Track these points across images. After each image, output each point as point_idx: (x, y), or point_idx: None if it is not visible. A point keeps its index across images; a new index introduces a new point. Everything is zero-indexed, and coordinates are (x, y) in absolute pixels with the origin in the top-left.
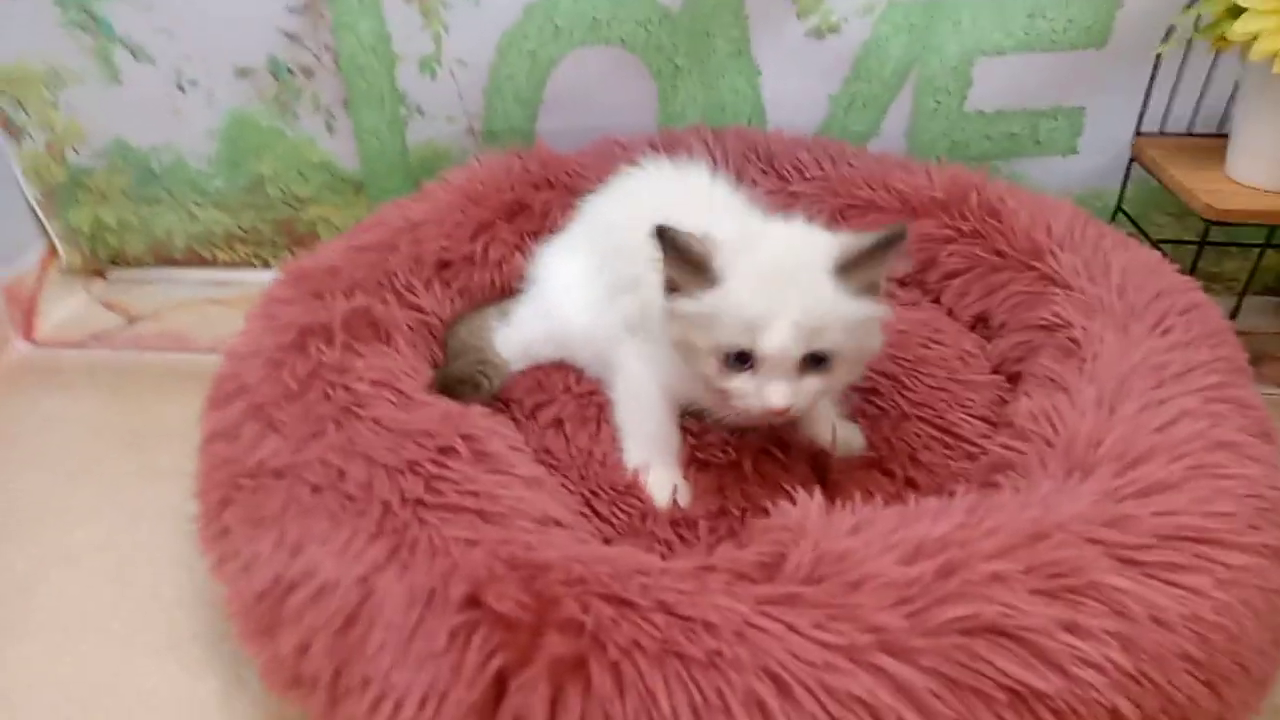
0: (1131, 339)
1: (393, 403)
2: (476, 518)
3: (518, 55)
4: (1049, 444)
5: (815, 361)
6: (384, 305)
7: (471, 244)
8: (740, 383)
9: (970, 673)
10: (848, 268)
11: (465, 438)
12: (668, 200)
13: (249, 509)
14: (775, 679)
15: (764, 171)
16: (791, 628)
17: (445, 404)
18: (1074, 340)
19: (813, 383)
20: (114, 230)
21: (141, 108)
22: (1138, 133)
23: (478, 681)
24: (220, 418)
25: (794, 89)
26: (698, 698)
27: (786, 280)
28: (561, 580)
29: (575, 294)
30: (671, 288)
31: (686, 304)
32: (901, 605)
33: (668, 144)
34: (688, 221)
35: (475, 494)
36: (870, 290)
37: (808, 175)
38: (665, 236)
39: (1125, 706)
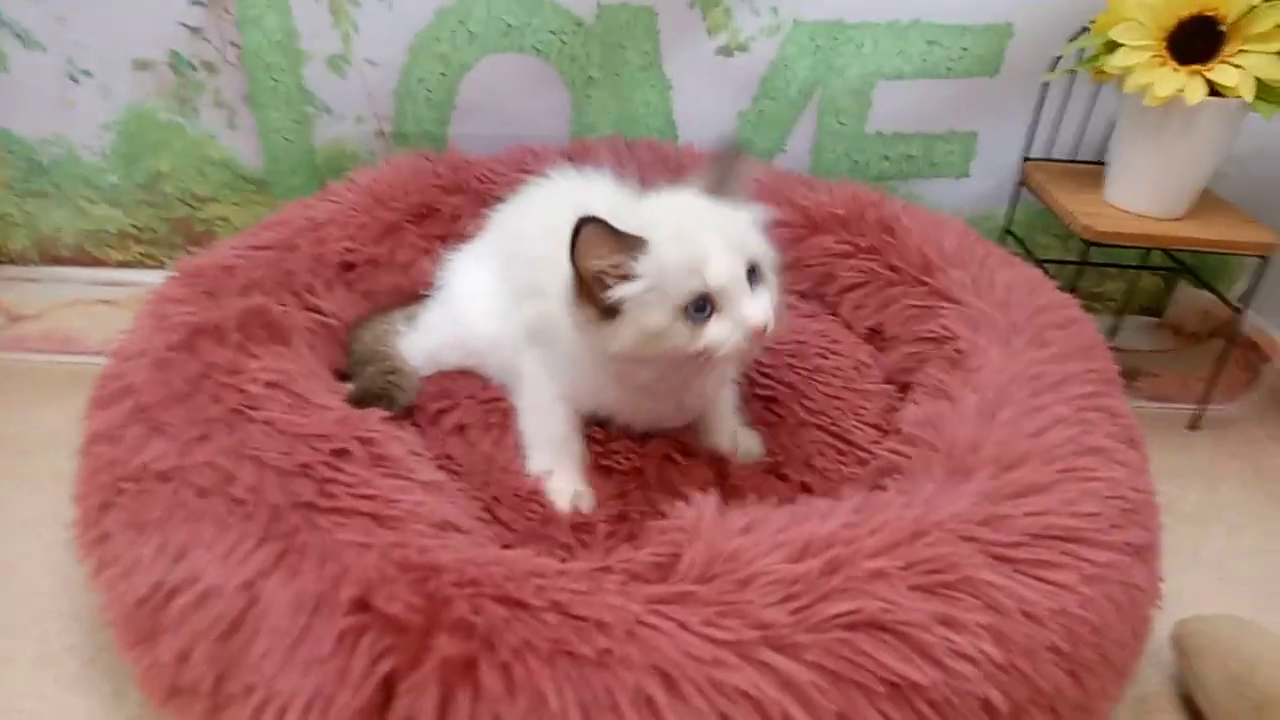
0: (1012, 351)
1: (288, 405)
2: (370, 521)
3: (429, 58)
4: (934, 449)
5: (753, 276)
6: (282, 306)
7: (378, 246)
8: (715, 329)
9: (852, 666)
10: (718, 187)
11: (362, 441)
12: (574, 210)
13: (131, 513)
14: (664, 676)
15: (672, 182)
16: (682, 625)
17: (343, 407)
18: (960, 351)
19: (765, 297)
20: None
21: (29, 97)
22: (1025, 158)
23: (365, 685)
24: (104, 419)
25: (704, 104)
26: (587, 696)
27: (693, 220)
28: (454, 582)
29: (482, 302)
30: (600, 287)
31: (630, 287)
32: (787, 601)
33: (580, 153)
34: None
35: (370, 498)
36: (743, 198)
37: None
38: (594, 223)
39: (996, 697)
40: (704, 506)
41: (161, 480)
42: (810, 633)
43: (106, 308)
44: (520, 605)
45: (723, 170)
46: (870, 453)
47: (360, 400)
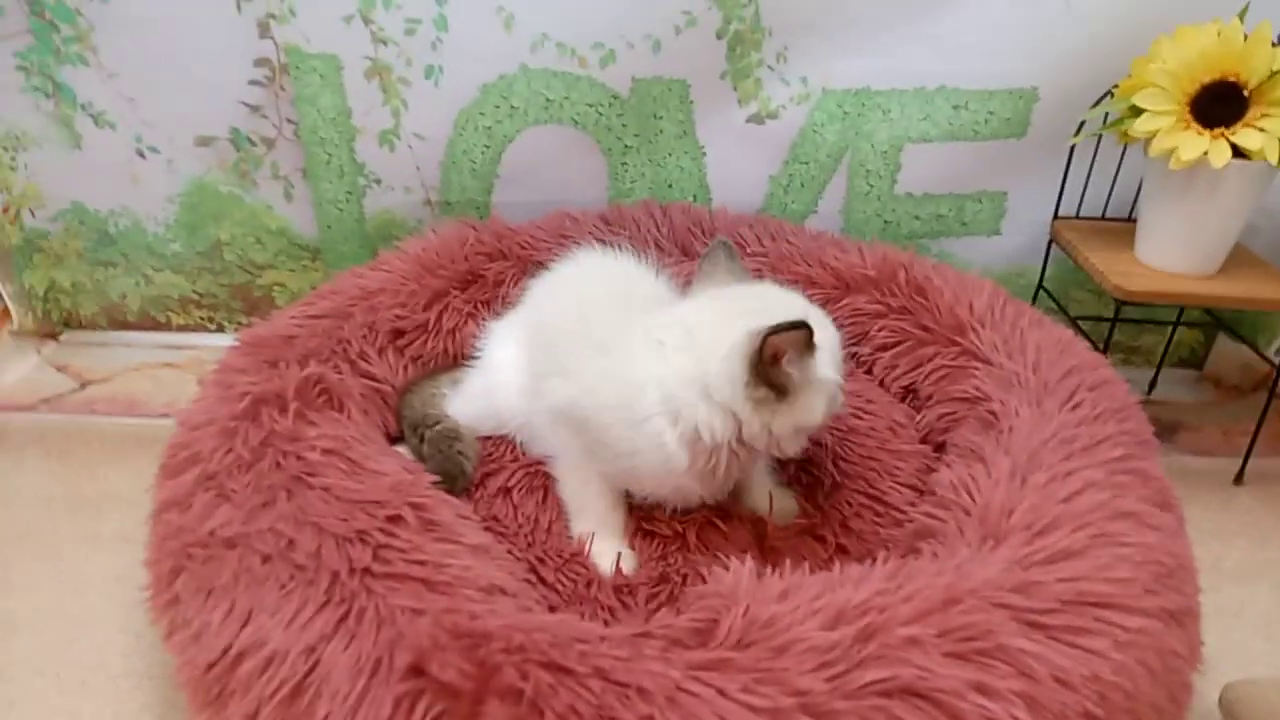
0: (1044, 413)
1: (344, 471)
2: (423, 586)
3: (474, 131)
4: (966, 512)
5: None
6: (338, 374)
7: (425, 312)
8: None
9: None
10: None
11: (414, 506)
12: (591, 293)
13: (200, 578)
14: None
15: (707, 245)
16: (721, 692)
17: (396, 472)
18: (992, 413)
19: None
20: (68, 292)
21: (101, 172)
22: (1056, 216)
23: None
24: (173, 487)
25: (736, 169)
26: None
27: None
28: (502, 649)
29: (511, 377)
30: (779, 370)
31: (813, 368)
32: (823, 669)
33: (617, 218)
34: (604, 312)
35: (422, 563)
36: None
37: (749, 251)
38: (805, 328)
39: None
40: (741, 573)
41: (228, 546)
42: (846, 699)
43: (170, 371)
44: (565, 671)
45: (737, 265)
46: (906, 514)
47: (440, 481)
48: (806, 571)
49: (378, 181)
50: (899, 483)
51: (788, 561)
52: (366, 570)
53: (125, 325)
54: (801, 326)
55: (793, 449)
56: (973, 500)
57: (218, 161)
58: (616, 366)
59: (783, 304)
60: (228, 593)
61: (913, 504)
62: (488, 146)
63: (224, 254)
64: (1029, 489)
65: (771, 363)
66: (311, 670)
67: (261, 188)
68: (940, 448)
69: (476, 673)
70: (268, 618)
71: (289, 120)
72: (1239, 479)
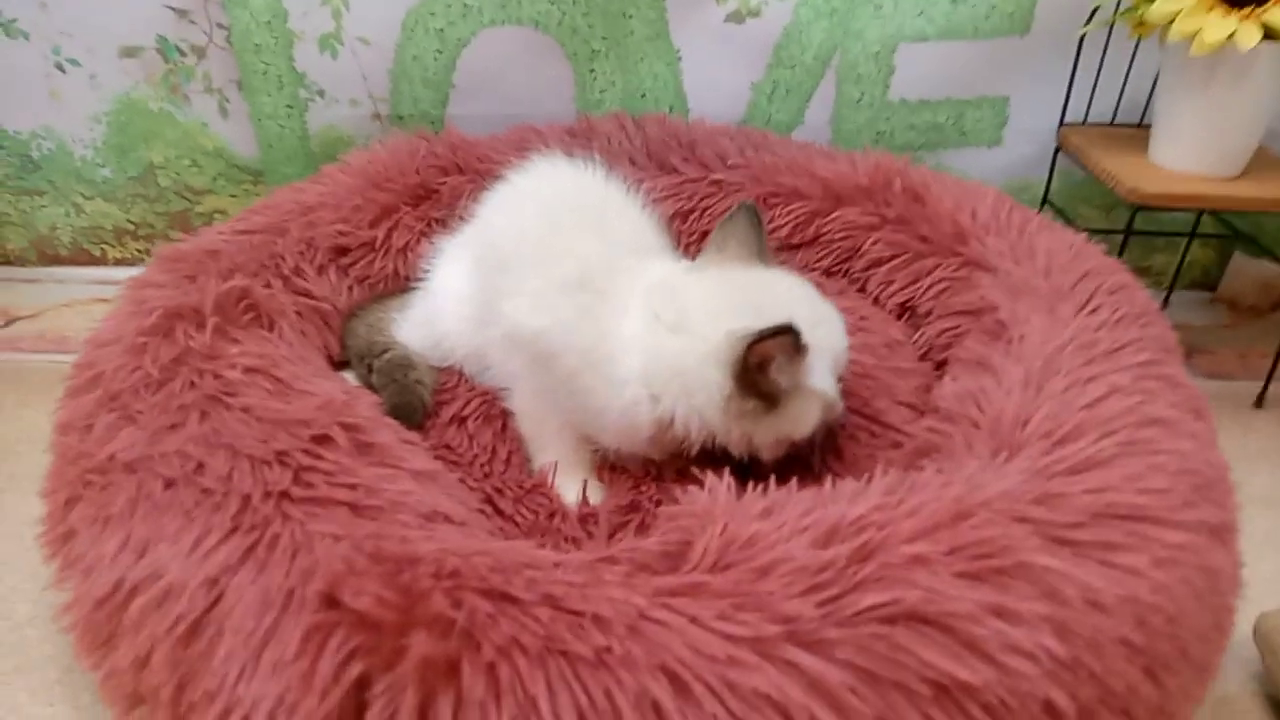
0: (1059, 319)
1: (268, 391)
2: (349, 512)
3: (424, 34)
4: (975, 425)
5: None
6: (267, 289)
7: (372, 229)
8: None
9: (891, 665)
10: (762, 255)
11: (346, 427)
12: (555, 208)
13: (96, 508)
14: (672, 677)
15: (685, 159)
16: (693, 620)
17: (329, 393)
18: (1000, 322)
19: None
20: None
21: (16, 89)
22: (1062, 122)
23: (333, 690)
24: (73, 409)
25: (715, 75)
26: (584, 700)
27: (825, 309)
28: (431, 573)
29: (456, 302)
30: (766, 379)
31: (805, 375)
32: (814, 592)
33: (585, 131)
34: (576, 234)
35: (351, 486)
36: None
37: (730, 163)
38: (790, 333)
39: (1060, 698)
40: (718, 489)
41: (128, 472)
42: (841, 627)
43: (104, 307)
44: (508, 599)
45: (757, 236)
46: (907, 435)
47: (394, 414)
48: (794, 488)
49: (321, 94)
50: (897, 401)
51: (772, 478)
52: (284, 494)
53: (57, 260)
54: (786, 331)
55: (770, 456)
56: (981, 411)
57: (145, 75)
58: (601, 310)
59: (780, 301)
60: (123, 522)
61: (913, 424)
62: (440, 51)
63: (158, 179)
64: (1045, 397)
65: (759, 371)
66: (213, 605)
67: (194, 103)
68: (941, 366)
69: (399, 601)
70: (166, 547)
71: (220, 25)
72: (1259, 402)
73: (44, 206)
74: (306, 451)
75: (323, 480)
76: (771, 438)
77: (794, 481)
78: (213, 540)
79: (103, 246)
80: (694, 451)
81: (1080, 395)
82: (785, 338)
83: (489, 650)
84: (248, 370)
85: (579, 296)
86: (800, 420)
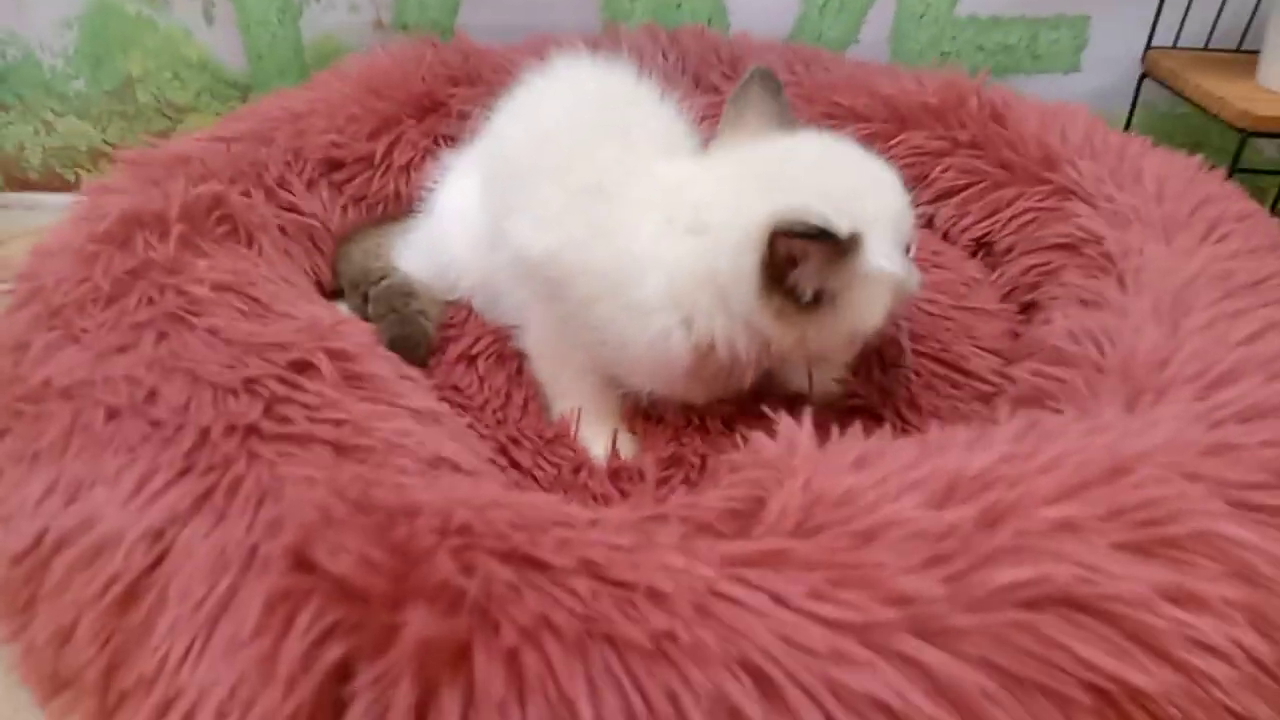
0: (1180, 249)
1: (241, 311)
2: (331, 452)
3: None
4: (1098, 369)
5: None
6: (245, 198)
7: (370, 143)
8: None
9: (1039, 664)
10: (784, 121)
11: (332, 354)
12: (575, 111)
13: (24, 442)
14: (756, 674)
15: (727, 76)
16: (778, 599)
17: (312, 315)
18: (1107, 255)
19: None
20: None
21: None
22: (1149, 46)
23: (302, 680)
24: (7, 327)
25: None
26: (638, 704)
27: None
28: (436, 528)
29: (464, 223)
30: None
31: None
32: (936, 565)
33: (613, 45)
34: (595, 138)
35: (336, 423)
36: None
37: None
38: (809, 230)
39: (1261, 711)
40: (796, 433)
41: (64, 399)
42: (973, 612)
43: None
44: (535, 564)
45: (776, 102)
46: (993, 384)
47: (395, 348)
48: (887, 436)
49: None
50: (981, 347)
51: (858, 423)
52: (251, 429)
53: (27, 185)
54: (821, 235)
55: (843, 358)
56: (1102, 353)
57: None
58: (616, 223)
59: (825, 171)
60: (53, 459)
61: (1001, 374)
62: None
63: (137, 93)
64: (1185, 333)
65: (787, 267)
66: (156, 564)
67: (176, 7)
68: (1029, 308)
69: (391, 562)
70: (103, 491)
71: None
72: None
73: (9, 124)
74: (282, 380)
75: (301, 414)
76: (836, 338)
77: (891, 426)
78: (159, 482)
79: (76, 170)
80: (747, 383)
81: (1230, 331)
82: (818, 243)
83: (510, 632)
84: (217, 287)
85: (592, 209)
86: (867, 310)
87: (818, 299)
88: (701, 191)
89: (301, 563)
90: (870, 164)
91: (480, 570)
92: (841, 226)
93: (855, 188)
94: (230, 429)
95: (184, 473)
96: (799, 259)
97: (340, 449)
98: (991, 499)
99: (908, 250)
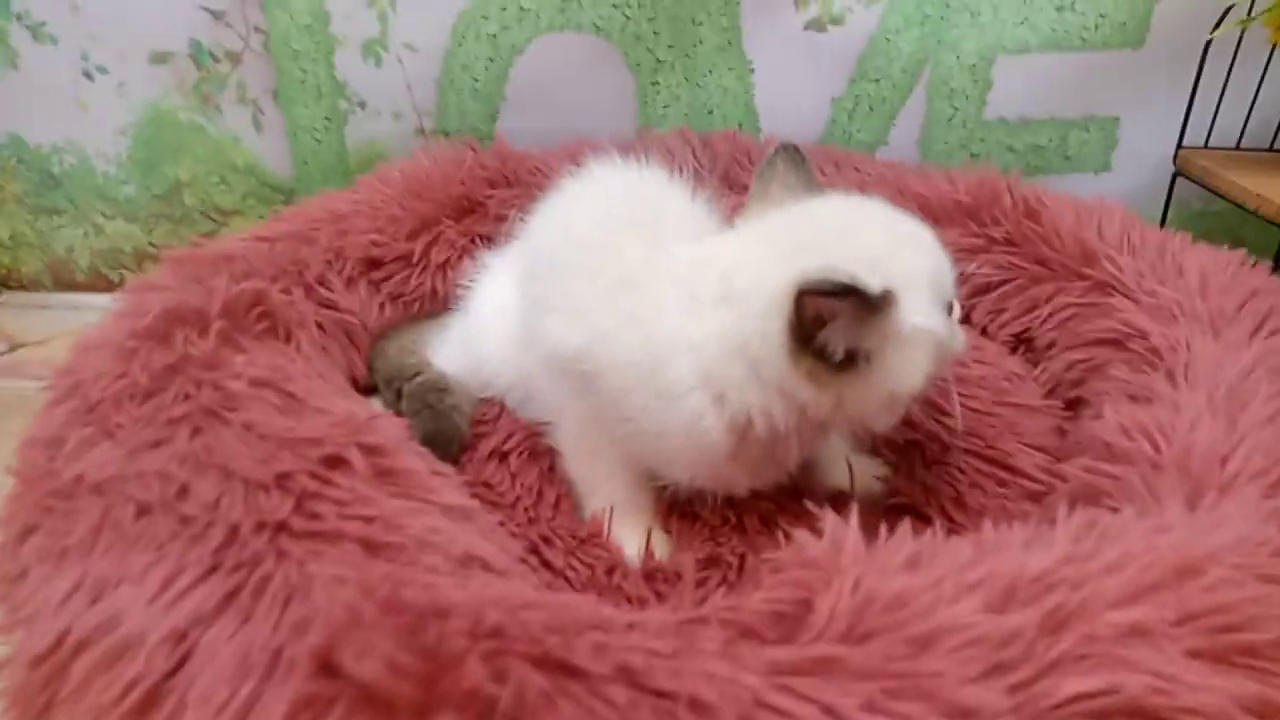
0: (1230, 344)
1: (275, 407)
2: (361, 550)
3: (476, 40)
4: (1155, 465)
5: None
6: (285, 295)
7: (410, 242)
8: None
9: None
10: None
11: (365, 449)
12: (607, 213)
13: (53, 539)
14: None
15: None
16: (830, 711)
17: (348, 410)
18: (1154, 350)
19: None
20: (6, 246)
21: (42, 97)
22: (1180, 145)
23: None
24: (44, 422)
25: (791, 89)
26: None
27: (906, 223)
28: (466, 631)
29: (501, 321)
30: (849, 356)
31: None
32: (999, 674)
33: (647, 149)
34: (624, 236)
35: (367, 520)
36: None
37: None
38: (836, 288)
39: None
40: (843, 531)
41: (95, 494)
42: None
43: None
44: (569, 671)
45: (802, 174)
46: (1043, 482)
47: (428, 444)
48: (940, 535)
49: (362, 105)
50: (1027, 443)
51: (907, 522)
52: (281, 526)
53: (73, 285)
54: (847, 293)
55: (886, 423)
56: (1158, 450)
57: (176, 83)
58: (644, 313)
59: (853, 230)
60: (81, 556)
61: (1049, 472)
62: (492, 60)
63: (184, 197)
64: (1244, 428)
65: (816, 327)
66: (178, 667)
67: (227, 114)
68: (1074, 404)
69: (420, 667)
70: (129, 590)
71: (257, 29)
72: None
73: (62, 226)
74: (314, 475)
75: (332, 510)
76: (876, 401)
77: (937, 529)
78: (185, 581)
79: (121, 271)
80: (792, 464)
81: None
82: (844, 300)
83: None
84: (254, 383)
85: (621, 300)
86: (906, 371)
87: (853, 359)
88: (727, 264)
89: (327, 667)
90: (903, 222)
91: (513, 677)
92: (872, 283)
93: (886, 245)
94: (260, 526)
95: (211, 571)
96: (828, 318)
97: (369, 546)
98: (1054, 602)
99: (950, 310)
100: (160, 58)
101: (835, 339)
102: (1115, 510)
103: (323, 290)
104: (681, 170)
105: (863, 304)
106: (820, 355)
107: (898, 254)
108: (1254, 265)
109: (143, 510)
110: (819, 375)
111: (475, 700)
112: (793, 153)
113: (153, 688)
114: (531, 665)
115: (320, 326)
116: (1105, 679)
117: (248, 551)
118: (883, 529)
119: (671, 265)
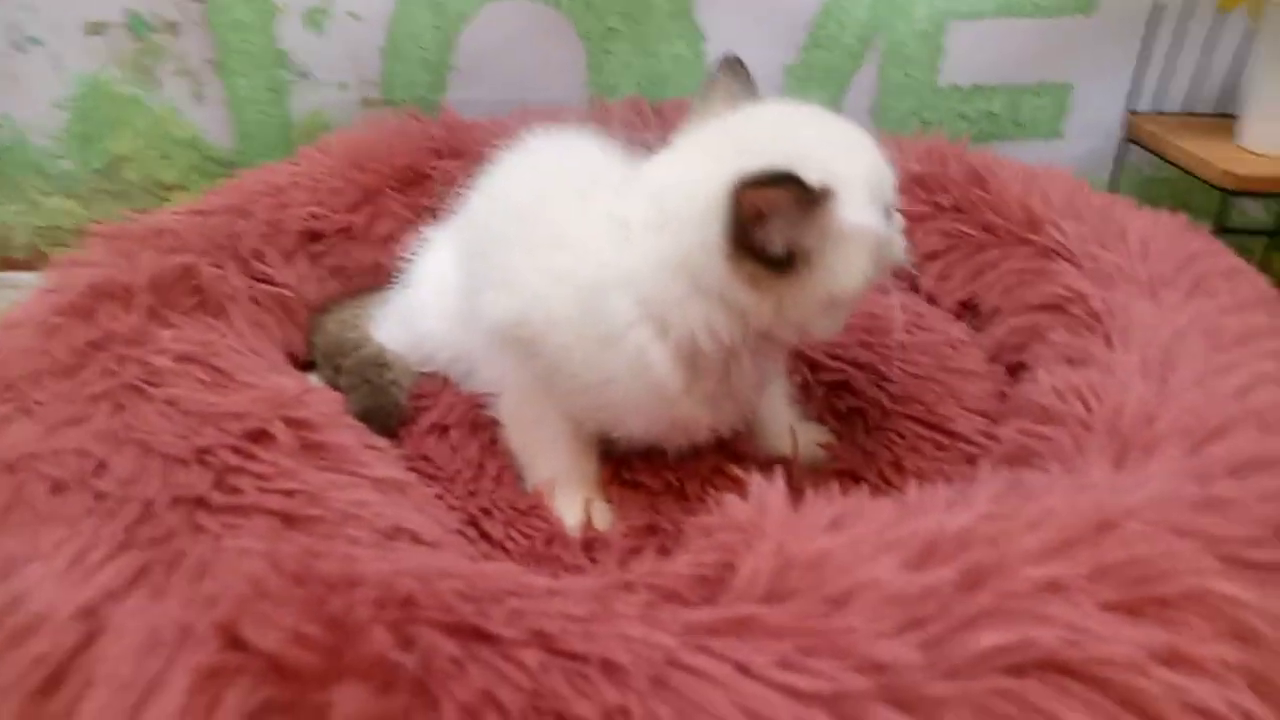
0: (1167, 305)
1: (202, 381)
2: (279, 523)
3: (421, 8)
4: (1084, 426)
5: None
6: (216, 269)
7: (351, 214)
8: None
9: None
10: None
11: (291, 423)
12: (546, 181)
13: None
14: None
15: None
16: (743, 669)
17: (275, 385)
18: (1093, 313)
19: None
20: None
21: None
22: (1130, 111)
23: None
24: None
25: (744, 57)
26: None
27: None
28: (373, 600)
29: (440, 297)
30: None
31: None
32: (913, 629)
33: (600, 119)
34: (560, 200)
35: (288, 493)
36: None
37: None
38: (775, 177)
39: None
40: (767, 494)
41: (7, 472)
42: (953, 679)
43: None
44: (481, 637)
45: (743, 84)
46: (981, 445)
47: (367, 419)
48: (865, 496)
49: (304, 75)
50: (968, 408)
51: (835, 484)
52: (199, 501)
53: (11, 264)
54: (784, 180)
55: (827, 330)
56: (1089, 409)
57: (113, 55)
58: (573, 264)
59: (790, 132)
60: None
61: (988, 434)
62: (438, 28)
63: (124, 172)
64: (1174, 388)
65: (755, 224)
66: (86, 643)
67: (166, 86)
68: (1015, 369)
69: (323, 637)
70: (38, 567)
71: None
72: None
73: None
74: (236, 449)
75: (253, 485)
76: (815, 303)
77: (864, 488)
78: (97, 557)
79: (62, 248)
80: (749, 395)
81: (1219, 385)
82: (782, 190)
83: (451, 710)
84: (180, 358)
85: (551, 260)
86: (845, 271)
87: (792, 260)
88: (658, 183)
89: (232, 640)
90: (840, 124)
91: (421, 643)
92: (810, 176)
93: (824, 145)
94: (176, 501)
95: (124, 547)
96: (766, 213)
97: (289, 520)
98: (972, 559)
99: (889, 215)
100: (95, 28)
101: (774, 236)
102: (1045, 471)
103: (258, 264)
104: (633, 139)
105: (802, 196)
106: (760, 257)
107: (836, 154)
108: (1196, 230)
109: (58, 487)
110: (759, 279)
111: (381, 668)
112: (735, 64)
113: (59, 665)
114: (442, 632)
115: (255, 301)
116: (1019, 633)
117: (162, 527)
118: (809, 491)
119: (599, 207)
